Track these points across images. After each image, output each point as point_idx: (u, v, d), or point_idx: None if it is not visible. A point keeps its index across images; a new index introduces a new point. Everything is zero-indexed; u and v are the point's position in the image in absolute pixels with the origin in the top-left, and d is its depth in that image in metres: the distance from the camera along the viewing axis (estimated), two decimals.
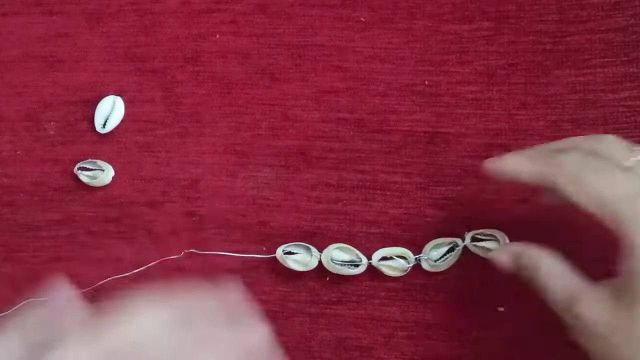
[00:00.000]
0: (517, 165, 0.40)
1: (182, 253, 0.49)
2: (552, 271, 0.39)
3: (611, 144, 0.39)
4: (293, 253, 0.47)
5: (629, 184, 0.35)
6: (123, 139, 0.50)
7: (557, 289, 0.38)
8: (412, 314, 0.47)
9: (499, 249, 0.43)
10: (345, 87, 0.50)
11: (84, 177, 0.49)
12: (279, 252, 0.47)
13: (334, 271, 0.46)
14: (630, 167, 0.37)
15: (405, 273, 0.46)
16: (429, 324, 0.47)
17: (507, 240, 0.45)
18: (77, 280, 0.49)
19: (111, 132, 0.50)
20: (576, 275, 0.38)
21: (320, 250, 0.47)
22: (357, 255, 0.47)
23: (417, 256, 0.46)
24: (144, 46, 0.51)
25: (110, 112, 0.50)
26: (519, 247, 0.41)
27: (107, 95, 0.50)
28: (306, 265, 0.47)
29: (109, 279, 0.49)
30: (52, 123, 0.51)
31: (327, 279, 0.48)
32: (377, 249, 0.47)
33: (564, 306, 0.37)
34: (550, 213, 0.44)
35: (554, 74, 0.49)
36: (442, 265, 0.46)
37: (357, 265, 0.46)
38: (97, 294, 0.49)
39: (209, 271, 0.49)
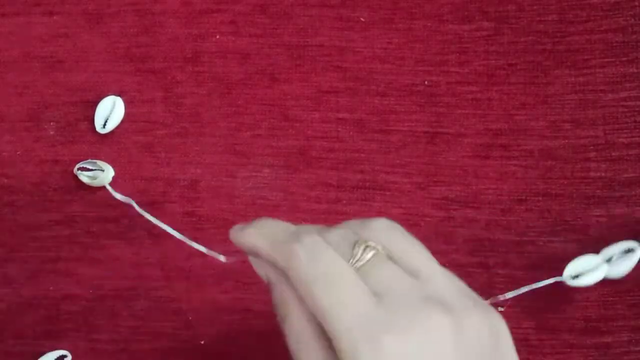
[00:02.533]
0: (255, 242, 0.34)
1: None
2: (299, 329, 0.33)
3: (334, 244, 0.32)
4: None
5: (360, 307, 0.30)
6: (123, 139, 0.50)
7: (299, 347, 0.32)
8: None
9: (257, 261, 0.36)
10: (345, 87, 0.50)
11: (84, 177, 0.49)
12: None
13: None
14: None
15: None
16: None
17: None
18: (77, 280, 0.49)
19: (111, 132, 0.50)
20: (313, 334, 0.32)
21: None
22: None
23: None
24: (144, 46, 0.51)
25: (110, 112, 0.50)
26: (277, 278, 0.34)
27: (107, 95, 0.50)
28: None
29: None
30: (52, 123, 0.51)
31: None
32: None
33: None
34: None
35: (553, 74, 0.49)
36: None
37: None
38: (98, 294, 0.49)
39: (209, 271, 0.49)
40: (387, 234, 0.33)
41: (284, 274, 0.33)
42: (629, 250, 0.44)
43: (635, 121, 0.48)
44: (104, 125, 0.50)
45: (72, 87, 0.51)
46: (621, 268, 0.44)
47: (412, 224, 0.48)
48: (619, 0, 0.49)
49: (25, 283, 0.50)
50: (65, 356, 0.48)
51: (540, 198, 0.47)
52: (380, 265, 0.31)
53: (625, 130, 0.48)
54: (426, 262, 0.32)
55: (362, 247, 0.32)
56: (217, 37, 0.51)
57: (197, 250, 0.49)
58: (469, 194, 0.48)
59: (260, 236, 0.34)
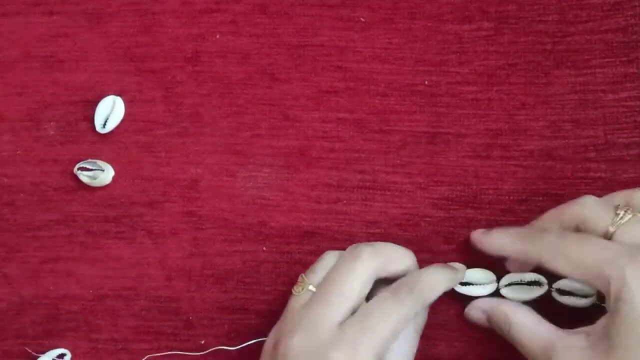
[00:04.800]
0: (502, 243, 0.43)
1: None
2: (524, 325, 0.41)
3: (593, 208, 0.41)
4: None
5: (609, 249, 0.37)
6: (123, 139, 0.50)
7: (532, 342, 0.40)
8: None
9: (471, 306, 0.45)
10: (345, 87, 0.50)
11: (84, 177, 0.49)
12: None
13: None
14: (613, 231, 0.39)
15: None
16: (429, 323, 0.47)
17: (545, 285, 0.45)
18: (77, 280, 0.49)
19: (111, 132, 0.50)
20: (549, 326, 0.40)
21: None
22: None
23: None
24: (144, 46, 0.51)
25: (110, 112, 0.50)
26: (488, 304, 0.43)
27: (107, 95, 0.50)
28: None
29: None
30: (52, 123, 0.51)
31: None
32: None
33: (542, 358, 0.39)
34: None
35: (553, 74, 0.49)
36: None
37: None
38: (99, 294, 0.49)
39: (209, 271, 0.49)
40: None
41: (500, 300, 0.43)
42: (535, 282, 0.45)
43: (635, 121, 0.48)
44: (104, 125, 0.50)
45: (72, 87, 0.51)
46: (521, 295, 0.45)
47: (412, 224, 0.48)
48: (619, 0, 0.49)
49: (25, 283, 0.50)
50: (64, 354, 0.48)
51: (541, 198, 0.47)
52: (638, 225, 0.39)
53: (625, 131, 0.48)
54: None
55: (624, 209, 0.40)
56: (217, 36, 0.51)
57: (198, 250, 0.49)
58: (469, 194, 0.48)
59: (506, 238, 0.43)
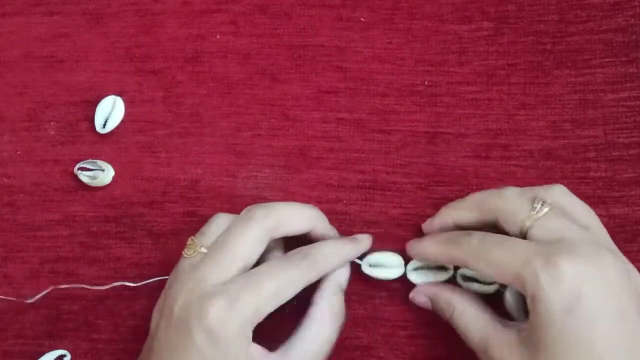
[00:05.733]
0: (430, 252, 0.43)
1: None
2: (464, 313, 0.42)
3: (511, 201, 0.41)
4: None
5: (524, 250, 0.38)
6: (123, 139, 0.50)
7: (471, 331, 0.41)
8: (412, 313, 0.47)
9: (417, 290, 0.46)
10: (345, 88, 0.50)
11: (84, 177, 0.49)
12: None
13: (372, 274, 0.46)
14: (529, 226, 0.39)
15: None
16: (429, 323, 0.47)
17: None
18: (77, 280, 0.49)
19: (111, 132, 0.50)
20: (489, 316, 0.41)
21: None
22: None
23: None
24: (144, 46, 0.51)
25: (110, 112, 0.50)
26: (434, 290, 0.44)
27: (108, 95, 0.50)
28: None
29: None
30: (52, 123, 0.51)
31: None
32: (377, 249, 0.47)
33: (478, 348, 0.40)
34: None
35: (553, 74, 0.49)
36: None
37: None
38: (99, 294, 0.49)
39: None
40: (563, 196, 0.41)
41: (444, 286, 0.44)
42: (442, 267, 0.45)
43: (635, 121, 0.48)
44: (104, 125, 0.50)
45: (72, 87, 0.51)
46: (427, 279, 0.45)
47: (412, 224, 0.48)
48: (619, 1, 0.49)
49: (25, 283, 0.50)
50: (64, 356, 0.48)
51: None
52: (556, 218, 0.39)
53: (625, 130, 0.48)
54: (595, 220, 0.40)
55: (541, 202, 0.39)
56: (217, 37, 0.51)
57: None
58: (469, 194, 0.48)
59: (434, 243, 0.43)
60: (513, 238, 0.39)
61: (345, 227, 0.48)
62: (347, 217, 0.48)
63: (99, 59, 0.51)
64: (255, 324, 0.39)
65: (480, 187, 0.48)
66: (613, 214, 0.47)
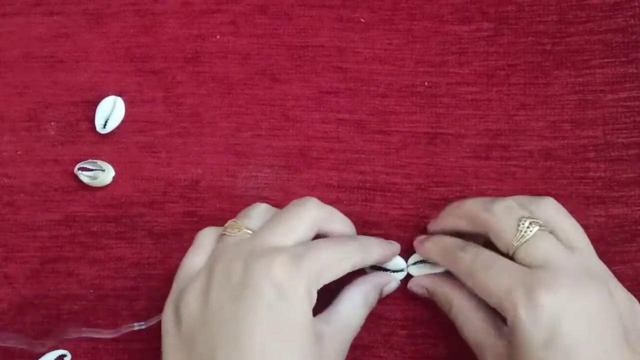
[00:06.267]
0: (433, 256, 0.45)
1: None
2: (462, 310, 0.42)
3: (499, 218, 0.41)
4: None
5: (508, 277, 0.38)
6: (123, 139, 0.50)
7: (467, 332, 0.42)
8: (413, 312, 0.47)
9: (415, 281, 0.46)
10: (345, 88, 0.50)
11: (84, 177, 0.50)
12: None
13: None
14: (516, 247, 0.39)
15: None
16: (430, 322, 0.47)
17: None
18: (78, 280, 0.49)
19: (112, 132, 0.50)
20: (484, 320, 0.41)
21: None
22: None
23: None
24: (144, 46, 0.51)
25: (110, 112, 0.50)
26: (432, 282, 0.45)
27: (108, 95, 0.50)
28: None
29: None
30: (52, 123, 0.51)
31: None
32: None
33: (473, 347, 0.41)
34: None
35: (553, 74, 0.49)
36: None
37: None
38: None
39: None
40: (551, 213, 0.41)
41: (445, 279, 0.44)
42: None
43: (634, 121, 0.48)
44: (105, 125, 0.50)
45: (73, 87, 0.51)
46: (426, 272, 0.46)
47: (412, 225, 0.48)
48: (619, 1, 0.49)
49: (25, 283, 0.50)
50: (64, 356, 0.48)
51: None
52: (543, 238, 0.39)
53: (624, 131, 0.48)
54: (582, 239, 0.40)
55: (527, 222, 0.39)
56: (218, 37, 0.51)
57: None
58: (469, 194, 0.48)
59: (436, 248, 0.44)
60: (501, 261, 0.39)
61: None
62: (349, 218, 0.48)
63: (99, 59, 0.51)
64: (318, 288, 0.39)
65: (480, 188, 0.48)
66: (612, 214, 0.47)
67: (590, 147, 0.48)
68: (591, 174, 0.48)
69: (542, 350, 0.35)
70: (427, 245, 0.45)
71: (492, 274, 0.39)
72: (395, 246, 0.46)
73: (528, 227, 0.39)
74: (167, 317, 0.40)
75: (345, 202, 0.49)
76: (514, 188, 0.48)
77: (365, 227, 0.48)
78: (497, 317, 0.41)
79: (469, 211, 0.43)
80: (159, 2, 0.51)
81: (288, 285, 0.37)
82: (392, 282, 0.46)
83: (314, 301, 0.38)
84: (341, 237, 0.43)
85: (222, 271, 0.38)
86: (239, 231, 0.41)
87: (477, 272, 0.40)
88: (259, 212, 0.42)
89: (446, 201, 0.48)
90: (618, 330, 0.36)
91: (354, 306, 0.43)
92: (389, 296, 0.47)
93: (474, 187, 0.48)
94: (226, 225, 0.42)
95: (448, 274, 0.44)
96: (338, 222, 0.43)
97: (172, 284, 0.41)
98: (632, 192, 0.47)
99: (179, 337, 0.39)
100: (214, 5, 0.51)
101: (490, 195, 0.48)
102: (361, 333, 0.47)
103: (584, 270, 0.38)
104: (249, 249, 0.39)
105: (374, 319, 0.47)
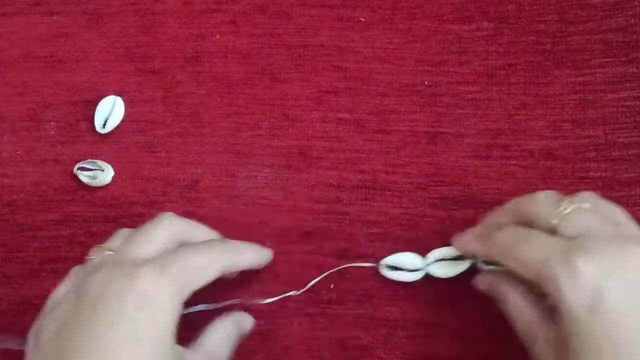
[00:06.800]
0: (469, 246, 0.44)
1: None
2: (517, 305, 0.41)
3: (541, 202, 0.41)
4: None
5: (546, 246, 0.38)
6: (123, 139, 0.51)
7: (520, 324, 0.41)
8: (412, 313, 0.47)
9: (481, 278, 0.45)
10: (345, 87, 0.50)
11: (84, 177, 0.50)
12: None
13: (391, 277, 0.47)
14: (557, 224, 0.39)
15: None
16: (429, 323, 0.47)
17: None
18: None
19: (111, 132, 0.50)
20: (537, 312, 0.40)
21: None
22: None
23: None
24: (144, 46, 0.51)
25: (110, 112, 0.50)
26: (493, 279, 0.44)
27: (107, 95, 0.50)
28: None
29: None
30: (52, 123, 0.51)
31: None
32: (377, 249, 0.47)
33: (526, 340, 0.40)
34: None
35: (553, 74, 0.49)
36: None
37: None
38: None
39: None
40: (593, 198, 0.41)
41: (503, 277, 0.42)
42: (460, 258, 0.46)
43: (635, 121, 0.48)
44: (104, 125, 0.50)
45: (72, 87, 0.51)
46: (447, 271, 0.46)
47: (412, 224, 0.48)
48: (619, 0, 0.49)
49: (25, 283, 0.50)
50: None
51: None
52: (583, 214, 0.39)
53: (625, 130, 0.48)
54: (625, 218, 0.40)
55: (567, 201, 0.39)
56: (217, 37, 0.51)
57: None
58: (469, 194, 0.48)
59: (471, 237, 0.44)
60: (538, 233, 0.39)
61: (345, 227, 0.48)
62: (347, 217, 0.48)
63: (99, 59, 0.51)
64: (184, 298, 0.38)
65: (480, 187, 0.48)
66: None
67: (591, 147, 0.48)
68: (592, 173, 0.48)
69: (586, 317, 0.35)
70: (464, 237, 0.45)
71: (528, 246, 0.38)
72: (269, 253, 0.46)
73: (569, 204, 0.39)
74: (29, 347, 0.38)
75: (344, 201, 0.49)
76: (515, 188, 0.48)
77: (364, 226, 0.48)
78: (549, 311, 0.40)
79: (510, 206, 0.43)
80: (159, 1, 0.51)
81: (152, 294, 0.36)
82: (247, 322, 0.46)
83: (178, 313, 0.37)
84: (209, 241, 0.42)
85: (82, 287, 0.37)
86: (101, 252, 0.40)
87: (514, 247, 0.39)
88: (121, 234, 0.42)
89: (446, 200, 0.48)
90: None
91: (220, 340, 0.42)
92: (388, 297, 0.47)
93: (474, 187, 0.48)
94: (90, 252, 0.41)
95: (508, 273, 0.44)
96: (199, 231, 0.43)
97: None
98: (633, 192, 0.47)
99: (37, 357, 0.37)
100: (213, 4, 0.51)
101: (490, 194, 0.48)
102: (361, 333, 0.47)
103: (626, 237, 0.38)
104: (110, 264, 0.38)
105: (374, 320, 0.47)
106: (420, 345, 0.47)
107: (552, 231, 0.39)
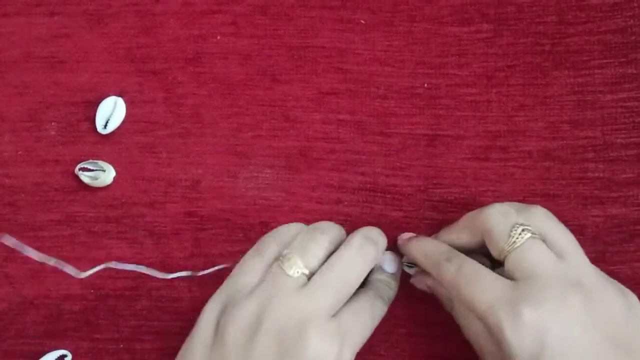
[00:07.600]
0: (419, 278, 0.45)
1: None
2: (463, 315, 0.42)
3: (495, 222, 0.41)
4: None
5: (499, 290, 0.38)
6: (124, 139, 0.51)
7: (468, 334, 0.42)
8: (412, 311, 0.47)
9: (418, 277, 0.46)
10: (346, 89, 0.50)
11: (85, 177, 0.50)
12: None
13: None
14: (507, 252, 0.39)
15: None
16: (429, 321, 0.47)
17: None
18: (78, 280, 0.49)
19: (112, 132, 0.50)
20: (483, 325, 0.40)
21: None
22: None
23: None
24: (145, 47, 0.51)
25: (111, 112, 0.50)
26: (435, 281, 0.44)
27: (109, 96, 0.50)
28: None
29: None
30: (53, 123, 0.51)
31: None
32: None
33: (476, 350, 0.41)
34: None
35: (552, 75, 0.49)
36: None
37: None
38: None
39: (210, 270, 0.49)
40: (543, 221, 0.40)
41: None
42: None
43: (633, 122, 0.48)
44: (105, 125, 0.50)
45: (73, 88, 0.51)
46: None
47: (412, 227, 0.48)
48: (618, 2, 0.49)
49: (26, 283, 0.50)
50: (65, 356, 0.49)
51: (539, 199, 0.48)
52: (533, 247, 0.39)
53: (623, 131, 0.48)
54: (572, 247, 0.40)
55: (520, 229, 0.39)
56: (218, 37, 0.51)
57: (199, 250, 0.49)
58: (468, 196, 0.48)
59: (419, 253, 0.44)
60: (485, 274, 0.39)
61: (347, 229, 0.48)
62: (349, 219, 0.49)
63: (100, 60, 0.51)
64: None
65: (479, 189, 0.48)
66: (611, 214, 0.47)
67: (589, 148, 0.48)
68: (590, 174, 0.48)
69: None
70: (412, 247, 0.45)
71: (475, 288, 0.39)
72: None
73: (520, 234, 0.39)
74: (207, 323, 0.40)
75: (345, 203, 0.49)
76: (513, 189, 0.48)
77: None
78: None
79: (465, 220, 0.43)
80: (160, 2, 0.51)
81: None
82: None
83: None
84: (374, 296, 0.43)
85: (275, 322, 0.38)
86: (296, 272, 0.40)
87: (461, 285, 0.39)
88: (320, 247, 0.41)
89: (445, 202, 0.48)
90: (609, 336, 0.36)
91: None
92: None
93: (473, 189, 0.48)
94: (282, 256, 0.40)
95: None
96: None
97: (222, 285, 0.41)
98: (631, 192, 0.47)
99: (211, 351, 0.38)
100: (214, 5, 0.51)
101: (489, 196, 0.48)
102: None
103: (571, 280, 0.38)
104: (303, 312, 0.38)
105: None
106: (419, 343, 0.47)
107: (500, 257, 0.40)
